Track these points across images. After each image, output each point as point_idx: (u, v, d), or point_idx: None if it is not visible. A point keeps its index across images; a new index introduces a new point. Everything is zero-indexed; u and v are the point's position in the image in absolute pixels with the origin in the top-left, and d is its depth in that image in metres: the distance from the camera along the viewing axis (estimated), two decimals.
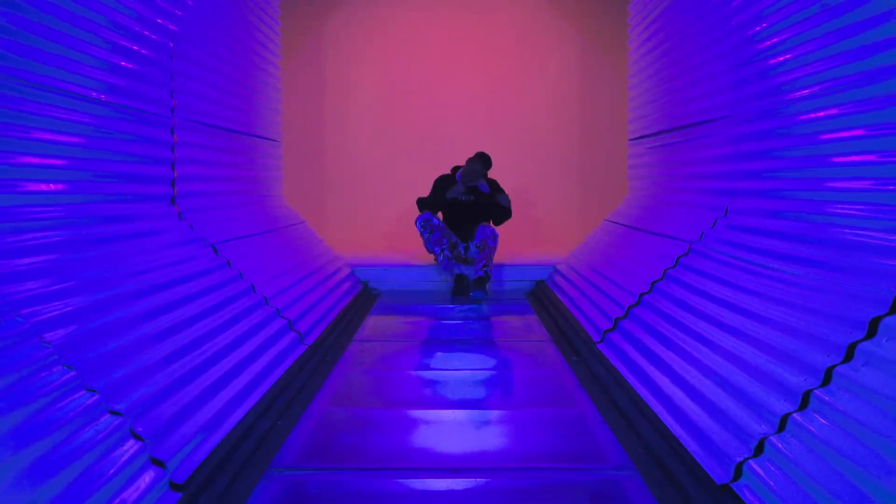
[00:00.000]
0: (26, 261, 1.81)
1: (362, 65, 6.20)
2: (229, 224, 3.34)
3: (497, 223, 4.55)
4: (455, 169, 4.67)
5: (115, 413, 1.63)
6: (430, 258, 4.85)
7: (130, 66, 2.50)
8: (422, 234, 4.47)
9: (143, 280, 2.24)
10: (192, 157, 3.11)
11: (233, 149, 3.68)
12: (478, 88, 6.23)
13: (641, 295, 2.91)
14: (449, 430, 2.10)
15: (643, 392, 2.27)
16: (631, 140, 4.55)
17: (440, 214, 4.65)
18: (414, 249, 5.32)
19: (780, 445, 1.56)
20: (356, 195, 6.26)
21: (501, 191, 4.60)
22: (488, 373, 2.70)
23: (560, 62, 6.23)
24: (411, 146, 6.19)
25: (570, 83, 6.22)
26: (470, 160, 4.51)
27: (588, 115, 6.21)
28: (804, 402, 1.59)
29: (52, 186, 2.05)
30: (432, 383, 2.57)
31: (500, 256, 4.92)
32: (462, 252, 4.62)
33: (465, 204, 4.58)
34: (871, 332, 1.55)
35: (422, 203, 4.58)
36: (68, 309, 1.81)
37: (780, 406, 1.64)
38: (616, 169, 5.64)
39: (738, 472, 1.62)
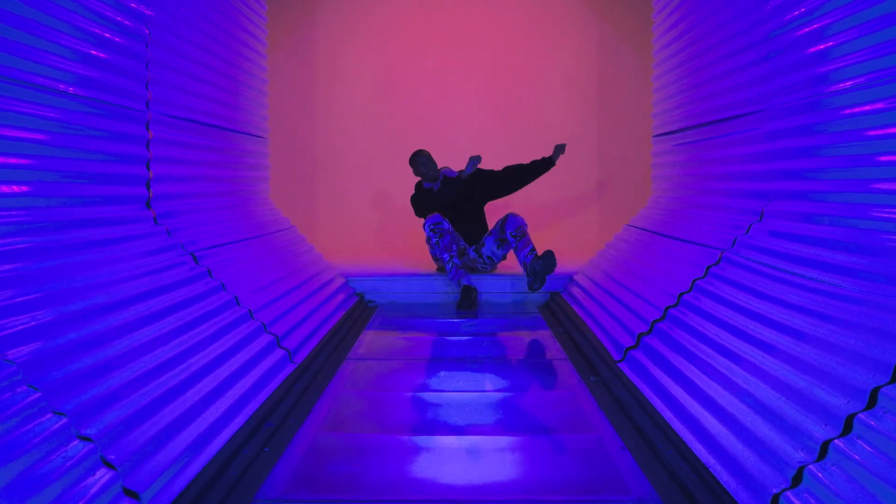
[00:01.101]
0: None
1: (358, 54, 6.25)
2: (210, 229, 3.37)
3: (524, 184, 4.71)
4: (420, 183, 4.74)
5: (85, 438, 1.65)
6: (434, 267, 4.87)
7: (101, 54, 2.54)
8: (430, 239, 4.51)
9: (116, 292, 2.26)
10: (170, 155, 3.14)
11: (214, 146, 3.71)
12: (486, 80, 6.27)
13: (667, 308, 2.92)
14: (453, 458, 2.11)
15: (669, 415, 2.27)
16: (655, 136, 4.57)
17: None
18: (416, 257, 5.34)
19: (820, 475, 1.57)
20: (351, 198, 6.30)
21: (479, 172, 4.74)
22: (497, 395, 2.71)
23: (577, 51, 6.27)
24: (412, 143, 6.22)
25: (588, 74, 6.26)
26: (428, 163, 4.65)
27: (608, 109, 6.24)
28: (847, 427, 1.60)
29: (15, 188, 2.08)
30: (435, 406, 2.58)
31: (510, 266, 4.94)
32: (472, 255, 4.67)
33: (467, 205, 4.66)
34: None
35: (418, 206, 4.63)
36: (33, 324, 1.83)
37: (821, 431, 1.65)
38: (639, 168, 5.67)
39: None
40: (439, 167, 4.75)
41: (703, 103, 3.61)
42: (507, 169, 4.71)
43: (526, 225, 4.45)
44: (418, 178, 4.83)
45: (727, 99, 3.29)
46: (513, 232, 4.42)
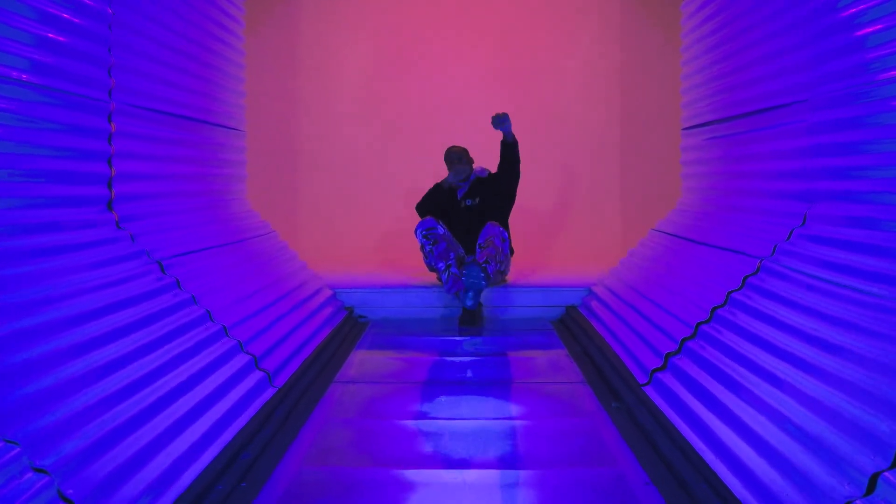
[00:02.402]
0: None
1: (348, 36, 6.29)
2: (180, 234, 3.39)
3: (512, 168, 4.67)
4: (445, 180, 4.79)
5: (40, 471, 1.66)
6: (433, 277, 4.88)
7: (57, 37, 2.57)
8: (423, 246, 4.53)
9: (72, 305, 2.28)
10: (134, 150, 3.17)
11: (185, 140, 3.74)
12: (491, 68, 6.29)
13: (699, 324, 2.94)
14: (454, 496, 2.12)
15: (701, 446, 2.28)
16: (685, 130, 4.59)
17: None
18: (412, 266, 5.35)
19: None
20: (339, 199, 6.32)
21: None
22: (505, 423, 2.72)
23: (597, 33, 6.30)
24: (409, 139, 6.25)
25: (609, 59, 6.29)
26: (451, 163, 4.73)
27: (632, 99, 6.27)
28: None
29: None
30: (434, 436, 2.59)
31: (520, 276, 4.95)
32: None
33: (469, 209, 4.68)
34: None
35: (423, 209, 4.66)
36: None
37: (870, 462, 1.66)
38: (667, 166, 5.68)
39: None
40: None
41: (739, 92, 3.63)
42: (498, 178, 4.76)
43: (500, 238, 4.46)
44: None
45: (766, 87, 3.31)
46: (481, 242, 4.47)
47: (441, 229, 4.52)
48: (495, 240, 4.44)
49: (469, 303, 4.29)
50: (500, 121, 4.53)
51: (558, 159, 6.22)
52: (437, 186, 4.74)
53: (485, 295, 4.55)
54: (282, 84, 6.27)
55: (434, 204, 4.70)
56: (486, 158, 4.88)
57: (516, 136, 4.62)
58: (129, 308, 2.55)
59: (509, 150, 4.63)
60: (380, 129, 6.28)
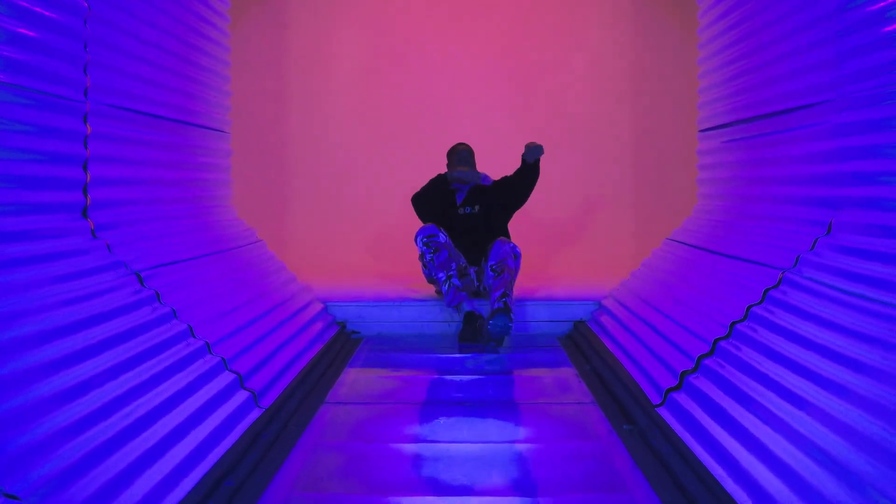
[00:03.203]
0: None
1: (340, 30, 6.31)
2: (160, 244, 3.39)
3: (526, 191, 4.66)
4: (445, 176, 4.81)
5: (11, 497, 1.66)
6: (432, 290, 4.88)
7: (29, 32, 2.58)
8: (423, 255, 4.52)
9: (45, 320, 2.28)
10: (112, 153, 3.17)
11: (166, 143, 3.75)
12: (496, 62, 6.31)
13: (717, 341, 2.93)
14: None
15: (720, 472, 2.28)
16: (702, 132, 4.61)
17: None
18: (409, 278, 5.35)
19: None
20: (331, 206, 6.32)
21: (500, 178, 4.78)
22: (509, 447, 2.71)
23: (608, 26, 6.32)
24: (406, 141, 6.26)
25: (620, 55, 6.31)
26: (454, 164, 4.74)
27: (645, 98, 6.29)
28: None
29: None
30: (432, 461, 2.59)
31: (525, 289, 4.95)
32: (473, 278, 4.66)
33: (468, 217, 4.68)
34: None
35: (422, 201, 4.69)
36: None
37: None
38: (683, 171, 5.69)
39: None
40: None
41: (760, 91, 3.64)
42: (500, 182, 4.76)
43: (512, 257, 4.39)
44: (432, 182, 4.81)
45: (789, 86, 3.32)
46: (494, 265, 4.38)
47: (443, 237, 4.51)
48: (509, 262, 4.37)
49: (495, 345, 4.17)
50: (535, 153, 4.52)
51: (565, 162, 6.23)
52: (441, 178, 4.75)
53: (485, 308, 4.52)
54: (269, 83, 6.29)
55: (434, 198, 4.69)
56: (489, 164, 4.88)
57: (519, 160, 4.62)
58: (104, 323, 2.55)
59: (531, 172, 4.60)
60: (375, 130, 6.29)
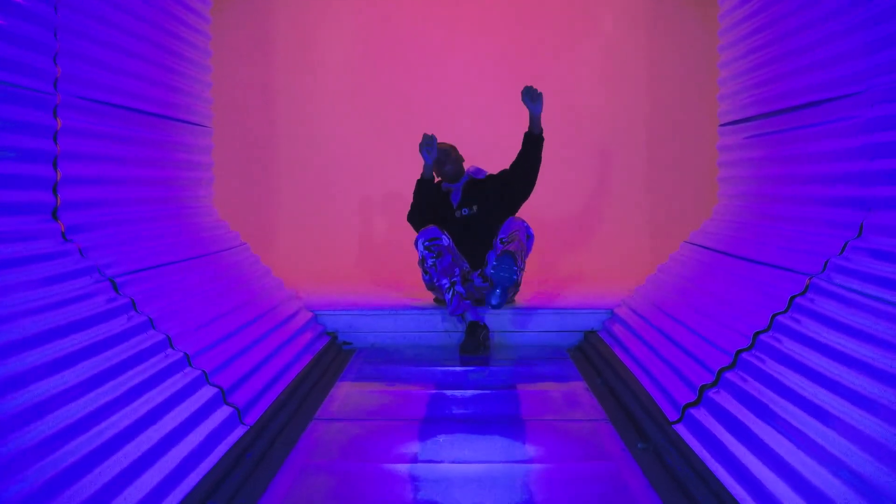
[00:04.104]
0: None
1: (330, 18, 6.31)
2: (136, 247, 3.40)
3: (530, 173, 4.64)
4: (438, 183, 4.83)
5: None
6: (430, 297, 4.87)
7: None
8: (424, 260, 4.50)
9: (11, 330, 2.28)
10: (84, 150, 3.18)
11: (142, 138, 3.76)
12: (498, 50, 6.32)
13: (739, 352, 2.93)
14: None
15: (742, 494, 2.28)
16: (723, 126, 4.61)
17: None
18: (406, 284, 5.35)
19: None
20: (320, 206, 6.32)
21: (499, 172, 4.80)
22: (514, 467, 2.71)
23: (621, 10, 6.32)
24: (401, 137, 6.24)
25: (634, 44, 6.31)
26: (448, 159, 4.75)
27: (661, 88, 6.29)
28: None
29: None
30: (431, 483, 2.59)
31: (531, 296, 4.95)
32: (475, 283, 4.64)
33: (467, 219, 4.68)
34: None
35: (418, 212, 4.66)
36: None
37: None
38: (702, 168, 5.70)
39: None
40: (465, 166, 4.82)
41: (785, 82, 3.64)
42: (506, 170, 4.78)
43: (524, 234, 4.44)
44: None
45: (816, 77, 3.32)
46: (503, 237, 4.42)
47: (446, 240, 4.50)
48: (520, 234, 4.41)
49: (495, 300, 4.24)
50: (534, 97, 4.53)
51: (574, 159, 6.23)
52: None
53: (489, 318, 4.54)
54: (254, 73, 6.29)
55: (427, 207, 4.67)
56: (490, 161, 4.88)
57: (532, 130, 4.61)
58: (75, 333, 2.55)
59: (534, 145, 4.60)
60: (368, 123, 6.29)
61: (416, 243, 4.54)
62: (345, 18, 6.31)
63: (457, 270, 4.45)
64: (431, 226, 4.55)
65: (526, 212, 4.80)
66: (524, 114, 5.20)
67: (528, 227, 4.49)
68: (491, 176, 4.78)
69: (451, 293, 4.41)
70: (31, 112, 2.81)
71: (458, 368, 4.06)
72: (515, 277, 4.21)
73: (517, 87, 5.71)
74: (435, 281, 4.51)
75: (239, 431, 2.91)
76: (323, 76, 6.31)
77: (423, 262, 4.54)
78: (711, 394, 2.89)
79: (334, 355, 4.29)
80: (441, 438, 3.01)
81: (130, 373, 2.64)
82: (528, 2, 6.31)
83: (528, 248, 4.49)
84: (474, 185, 4.77)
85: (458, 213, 4.72)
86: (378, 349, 4.53)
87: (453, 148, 4.81)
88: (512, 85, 6.23)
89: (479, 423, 3.21)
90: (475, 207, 4.72)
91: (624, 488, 2.54)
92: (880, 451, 1.94)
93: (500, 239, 4.43)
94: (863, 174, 2.93)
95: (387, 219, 6.17)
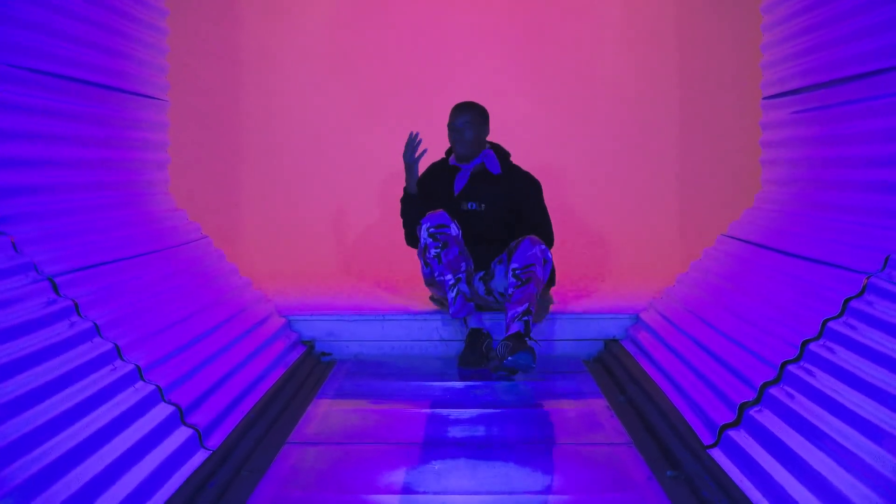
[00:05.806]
0: None
1: None
2: (79, 241, 3.39)
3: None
4: (449, 152, 4.71)
5: None
6: (424, 301, 4.85)
7: None
8: (427, 249, 4.36)
9: None
10: (17, 127, 3.17)
11: (86, 113, 3.75)
12: (505, 18, 6.30)
13: (785, 364, 2.93)
14: None
15: None
16: (766, 99, 4.60)
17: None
18: (397, 286, 5.35)
19: None
20: (295, 193, 6.31)
21: (530, 185, 4.64)
22: (522, 500, 2.71)
23: None
24: (390, 115, 6.24)
25: (663, 9, 6.28)
26: (454, 127, 4.50)
27: (694, 57, 6.28)
28: None
29: None
30: None
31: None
32: (478, 291, 4.57)
33: (471, 215, 4.57)
34: None
35: (415, 240, 4.56)
36: None
37: None
38: (742, 149, 5.69)
39: None
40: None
41: (842, 47, 3.63)
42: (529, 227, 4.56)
43: (541, 263, 4.21)
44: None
45: (879, 40, 3.31)
46: (517, 269, 4.18)
47: (454, 229, 4.36)
48: (537, 269, 4.19)
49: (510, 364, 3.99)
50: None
51: (594, 140, 6.22)
52: (433, 167, 4.71)
53: (493, 325, 4.50)
54: (220, 39, 6.27)
55: (427, 189, 4.58)
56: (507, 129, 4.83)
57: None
58: (10, 341, 2.54)
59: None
60: (350, 99, 6.28)
61: (418, 229, 4.41)
62: None
63: (463, 266, 4.36)
64: (440, 210, 4.40)
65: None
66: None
67: (546, 252, 4.29)
68: (508, 179, 4.58)
69: (454, 292, 4.32)
70: None
71: (456, 384, 4.05)
72: (534, 365, 3.98)
73: (527, 57, 5.68)
74: (437, 275, 4.41)
75: (200, 457, 2.91)
76: (299, 43, 6.28)
77: (425, 251, 4.39)
78: (753, 413, 2.90)
79: (311, 368, 4.28)
80: (436, 465, 3.01)
81: (72, 389, 2.63)
82: None
83: (545, 279, 4.30)
84: (485, 177, 4.60)
85: (462, 206, 4.57)
86: (363, 361, 4.53)
87: (474, 116, 4.50)
88: (521, 55, 6.23)
89: (480, 447, 3.21)
90: (483, 206, 4.57)
91: None
92: None
93: (514, 270, 4.19)
94: None
95: (372, 209, 6.15)
